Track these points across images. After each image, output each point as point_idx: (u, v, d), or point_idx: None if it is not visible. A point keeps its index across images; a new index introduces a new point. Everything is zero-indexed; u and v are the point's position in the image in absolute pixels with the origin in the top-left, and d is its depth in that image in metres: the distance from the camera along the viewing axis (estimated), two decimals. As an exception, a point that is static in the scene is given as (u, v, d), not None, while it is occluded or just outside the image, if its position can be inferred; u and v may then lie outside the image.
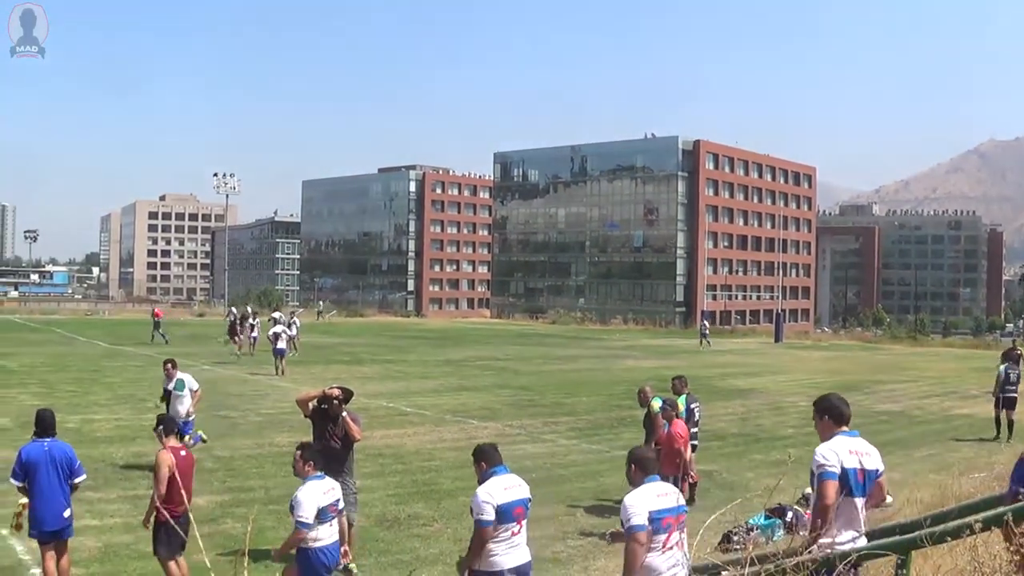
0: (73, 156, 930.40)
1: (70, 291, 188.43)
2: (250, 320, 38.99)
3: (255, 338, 38.10)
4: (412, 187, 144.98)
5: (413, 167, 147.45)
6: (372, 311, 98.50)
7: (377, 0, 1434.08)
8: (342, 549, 8.05)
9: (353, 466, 10.47)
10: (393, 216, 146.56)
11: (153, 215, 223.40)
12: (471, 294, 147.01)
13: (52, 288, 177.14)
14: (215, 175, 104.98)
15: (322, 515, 7.51)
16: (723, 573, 6.01)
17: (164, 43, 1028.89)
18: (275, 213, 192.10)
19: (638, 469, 6.09)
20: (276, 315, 39.15)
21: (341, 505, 8.01)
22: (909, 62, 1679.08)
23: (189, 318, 74.89)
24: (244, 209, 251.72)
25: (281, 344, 31.65)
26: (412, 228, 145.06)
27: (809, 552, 5.47)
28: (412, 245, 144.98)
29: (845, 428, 6.01)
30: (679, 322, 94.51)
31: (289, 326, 35.44)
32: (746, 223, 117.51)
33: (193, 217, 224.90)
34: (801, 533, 6.22)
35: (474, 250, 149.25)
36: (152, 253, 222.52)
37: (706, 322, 59.68)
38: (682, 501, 6.16)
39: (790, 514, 11.62)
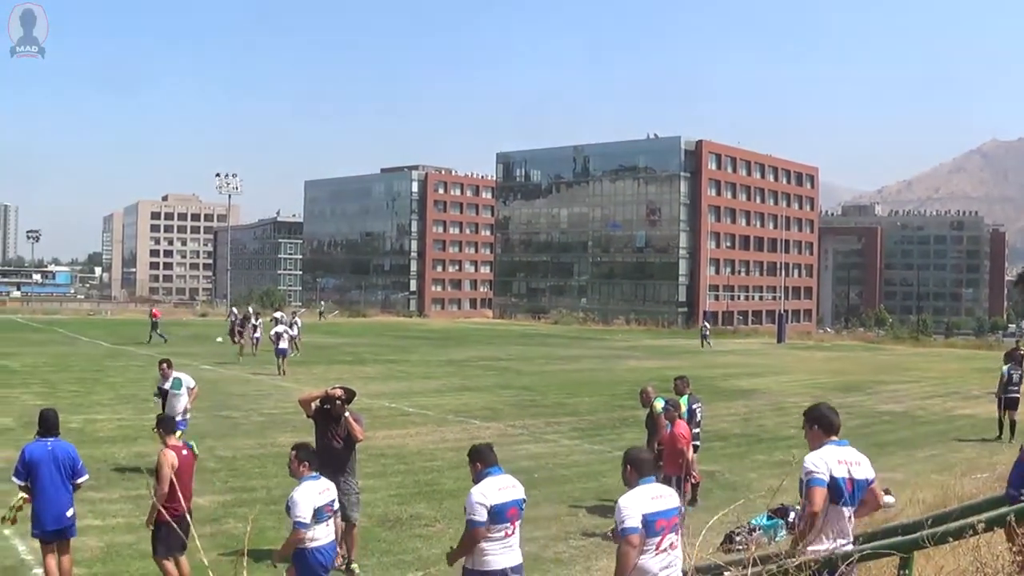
0: (75, 156, 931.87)
1: (72, 291, 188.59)
2: (252, 320, 39.00)
3: (258, 338, 38.10)
4: (415, 187, 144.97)
5: (416, 167, 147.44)
6: (374, 311, 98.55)
7: (378, 0, 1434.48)
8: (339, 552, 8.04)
9: (355, 466, 10.47)
10: (395, 216, 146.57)
11: (155, 215, 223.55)
12: (473, 294, 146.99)
13: (54, 288, 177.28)
14: (217, 175, 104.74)
15: (318, 515, 7.52)
16: (726, 574, 6.00)
17: (165, 43, 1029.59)
18: (278, 213, 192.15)
19: (634, 470, 6.09)
20: (277, 315, 39.15)
21: (336, 505, 8.02)
22: (911, 62, 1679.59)
23: (191, 318, 74.95)
24: (246, 209, 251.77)
25: (283, 344, 31.68)
26: (414, 228, 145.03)
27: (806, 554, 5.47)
28: (414, 245, 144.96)
29: (834, 437, 6.01)
30: (681, 322, 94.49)
31: (291, 326, 35.46)
32: (748, 223, 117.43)
33: (195, 217, 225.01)
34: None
35: (476, 250, 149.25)
36: (154, 253, 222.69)
37: (707, 323, 59.68)
38: (678, 503, 6.15)
39: (792, 515, 11.60)
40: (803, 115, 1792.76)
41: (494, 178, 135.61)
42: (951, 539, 5.57)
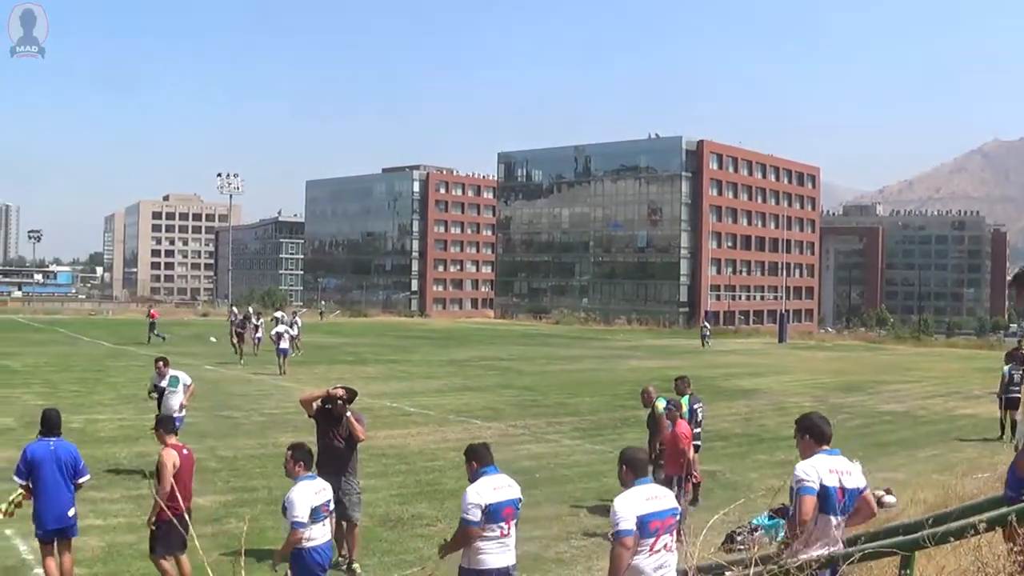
0: (76, 156, 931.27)
1: (74, 291, 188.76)
2: (253, 321, 39.00)
3: (259, 338, 38.11)
4: (416, 187, 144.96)
5: (417, 167, 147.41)
6: (376, 311, 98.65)
7: (378, 0, 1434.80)
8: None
9: (357, 466, 10.48)
10: (397, 216, 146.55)
11: (157, 215, 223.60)
12: (475, 294, 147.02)
13: (56, 288, 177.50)
14: (219, 175, 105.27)
15: (315, 515, 7.54)
16: (727, 574, 6.01)
17: (165, 43, 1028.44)
18: (279, 213, 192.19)
19: (629, 470, 6.10)
20: (278, 315, 39.13)
21: (332, 505, 8.04)
22: (912, 62, 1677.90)
23: (193, 318, 74.93)
24: (248, 209, 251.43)
25: (284, 344, 31.70)
26: (416, 228, 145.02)
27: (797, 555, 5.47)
28: (416, 245, 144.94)
29: (826, 447, 6.01)
30: (683, 322, 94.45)
31: (291, 326, 35.43)
32: (750, 223, 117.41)
33: (197, 217, 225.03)
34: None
35: (478, 250, 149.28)
36: (156, 253, 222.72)
37: (707, 323, 59.75)
38: (674, 504, 6.16)
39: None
40: (804, 115, 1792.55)
41: (495, 178, 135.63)
42: (952, 539, 5.57)
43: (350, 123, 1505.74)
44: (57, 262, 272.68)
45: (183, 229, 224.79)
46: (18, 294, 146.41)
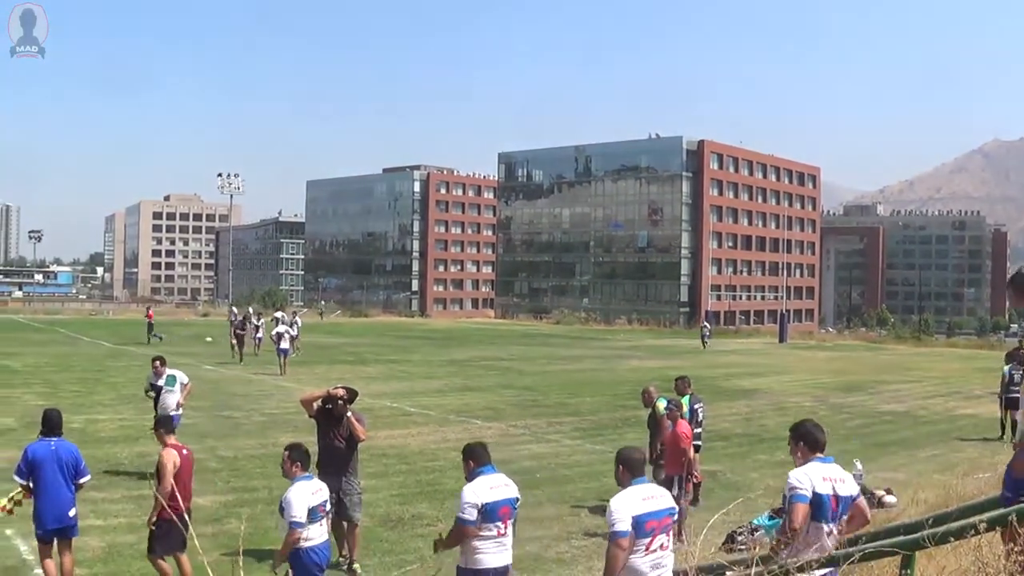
0: (76, 156, 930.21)
1: (74, 291, 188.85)
2: (254, 321, 39.00)
3: (259, 339, 38.13)
4: (416, 187, 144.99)
5: (417, 167, 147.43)
6: (376, 311, 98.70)
7: (378, 0, 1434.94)
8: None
9: (357, 466, 10.48)
10: (397, 216, 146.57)
11: (157, 215, 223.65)
12: (475, 294, 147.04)
13: (56, 288, 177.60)
14: (219, 175, 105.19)
15: (312, 515, 7.55)
16: (728, 573, 6.01)
17: (166, 43, 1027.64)
18: (279, 213, 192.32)
19: (625, 470, 6.12)
20: (278, 315, 39.13)
21: (329, 506, 8.05)
22: (912, 62, 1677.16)
23: (193, 318, 74.95)
24: (248, 209, 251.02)
25: (284, 344, 31.71)
26: (416, 228, 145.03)
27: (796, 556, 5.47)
28: (416, 245, 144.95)
29: (820, 455, 6.01)
30: (683, 322, 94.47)
31: (291, 326, 35.42)
32: (750, 223, 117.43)
33: (197, 217, 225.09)
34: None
35: (478, 250, 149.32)
36: (156, 253, 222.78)
37: (707, 323, 59.83)
38: (671, 504, 6.17)
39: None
40: (804, 115, 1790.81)
41: (496, 178, 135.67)
42: (952, 539, 5.57)
43: (350, 123, 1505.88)
44: (58, 262, 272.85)
45: (184, 229, 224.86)
46: (19, 294, 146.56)
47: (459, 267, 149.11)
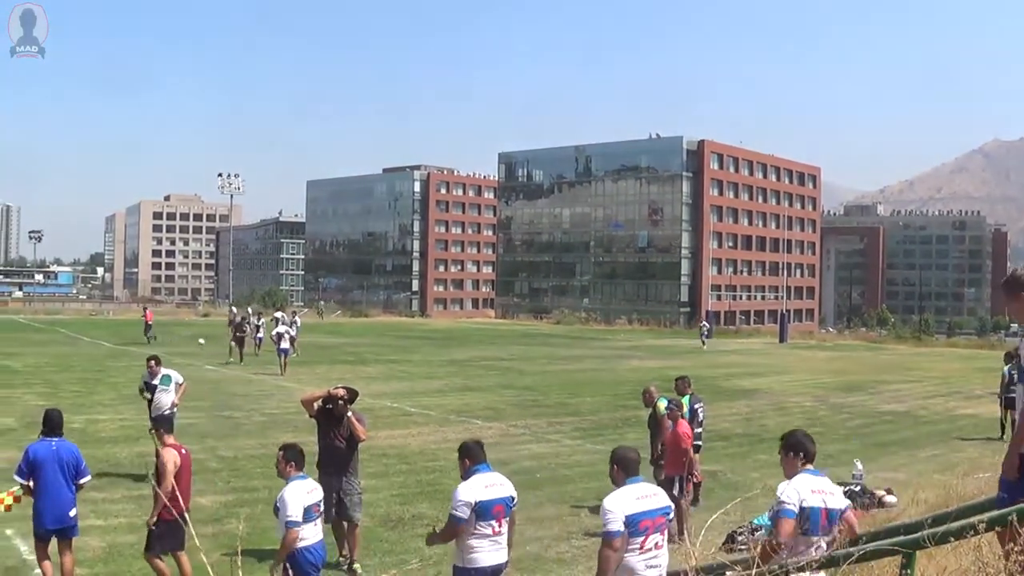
0: (77, 156, 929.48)
1: (74, 291, 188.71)
2: (254, 321, 38.97)
3: (260, 339, 38.13)
4: (416, 187, 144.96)
5: (418, 167, 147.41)
6: (376, 311, 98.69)
7: (378, 0, 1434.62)
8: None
9: (358, 466, 10.49)
10: (397, 216, 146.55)
11: (158, 215, 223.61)
12: (475, 294, 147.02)
13: (56, 288, 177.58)
14: (219, 175, 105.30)
15: (307, 514, 7.56)
16: (728, 573, 6.01)
17: (166, 43, 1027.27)
18: (280, 213, 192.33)
19: (620, 469, 6.12)
20: (278, 315, 39.14)
21: (323, 506, 8.08)
22: (912, 61, 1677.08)
23: (194, 318, 74.98)
24: (248, 209, 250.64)
25: (284, 344, 31.72)
26: (416, 228, 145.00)
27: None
28: (416, 245, 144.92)
29: (810, 466, 5.99)
30: (683, 322, 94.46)
31: (291, 326, 35.41)
32: (750, 223, 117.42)
33: (198, 217, 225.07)
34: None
35: (478, 250, 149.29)
36: (157, 253, 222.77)
37: (706, 323, 59.85)
38: (666, 503, 6.18)
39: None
40: (804, 115, 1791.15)
41: (496, 178, 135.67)
42: (952, 539, 5.57)
43: (350, 123, 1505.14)
44: (58, 262, 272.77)
45: (184, 229, 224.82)
46: (19, 294, 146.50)
47: (459, 267, 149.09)
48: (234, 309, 46.76)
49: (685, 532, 10.14)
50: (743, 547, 10.07)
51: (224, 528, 11.26)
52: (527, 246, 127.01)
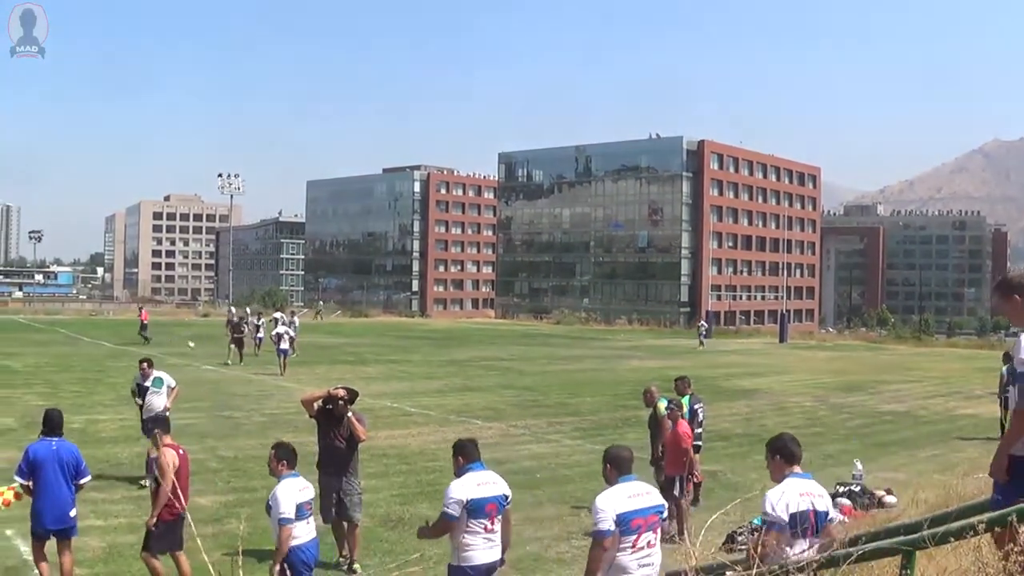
0: (77, 156, 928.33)
1: (74, 291, 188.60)
2: (254, 321, 38.91)
3: (260, 339, 38.11)
4: (416, 187, 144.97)
5: (418, 167, 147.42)
6: (376, 311, 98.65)
7: (379, 0, 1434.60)
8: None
9: (358, 466, 10.50)
10: (397, 216, 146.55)
11: (158, 215, 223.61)
12: (475, 294, 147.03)
13: (56, 288, 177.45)
14: (219, 175, 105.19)
15: (299, 512, 7.59)
16: (728, 573, 6.00)
17: (166, 43, 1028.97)
18: (279, 213, 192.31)
19: (613, 468, 6.13)
20: (277, 315, 39.11)
21: (315, 504, 8.10)
22: (913, 61, 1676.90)
23: (194, 318, 74.96)
24: (248, 209, 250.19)
25: (284, 344, 31.71)
26: (416, 228, 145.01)
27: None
28: (416, 245, 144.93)
29: (797, 468, 5.98)
30: (683, 322, 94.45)
31: (289, 326, 35.38)
32: (750, 223, 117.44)
33: (198, 217, 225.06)
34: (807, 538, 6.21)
35: (478, 250, 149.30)
36: (156, 253, 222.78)
37: (704, 323, 59.89)
38: (659, 502, 6.17)
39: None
40: (805, 115, 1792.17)
41: (496, 178, 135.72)
42: (952, 539, 5.56)
43: (350, 123, 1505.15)
44: (58, 262, 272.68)
45: (184, 229, 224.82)
46: (19, 294, 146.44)
47: (459, 267, 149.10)
48: (232, 309, 46.66)
49: (685, 532, 10.15)
50: (743, 547, 10.07)
51: (224, 528, 11.26)
52: (527, 246, 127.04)
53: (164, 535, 8.61)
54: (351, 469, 10.23)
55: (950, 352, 55.63)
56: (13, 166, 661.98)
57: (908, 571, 5.51)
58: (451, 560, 6.88)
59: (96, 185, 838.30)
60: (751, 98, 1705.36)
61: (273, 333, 32.82)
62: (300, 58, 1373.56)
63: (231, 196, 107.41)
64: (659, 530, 6.08)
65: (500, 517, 6.91)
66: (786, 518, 5.64)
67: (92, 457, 12.50)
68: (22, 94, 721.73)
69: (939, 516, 6.18)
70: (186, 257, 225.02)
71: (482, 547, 6.76)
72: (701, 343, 52.94)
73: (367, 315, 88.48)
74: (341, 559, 10.18)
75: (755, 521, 11.15)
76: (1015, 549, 5.20)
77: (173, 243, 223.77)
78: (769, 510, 5.68)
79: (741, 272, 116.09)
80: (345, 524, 10.16)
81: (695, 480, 12.56)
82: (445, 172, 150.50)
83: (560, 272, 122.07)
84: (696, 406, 13.86)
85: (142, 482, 12.83)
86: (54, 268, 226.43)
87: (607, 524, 5.74)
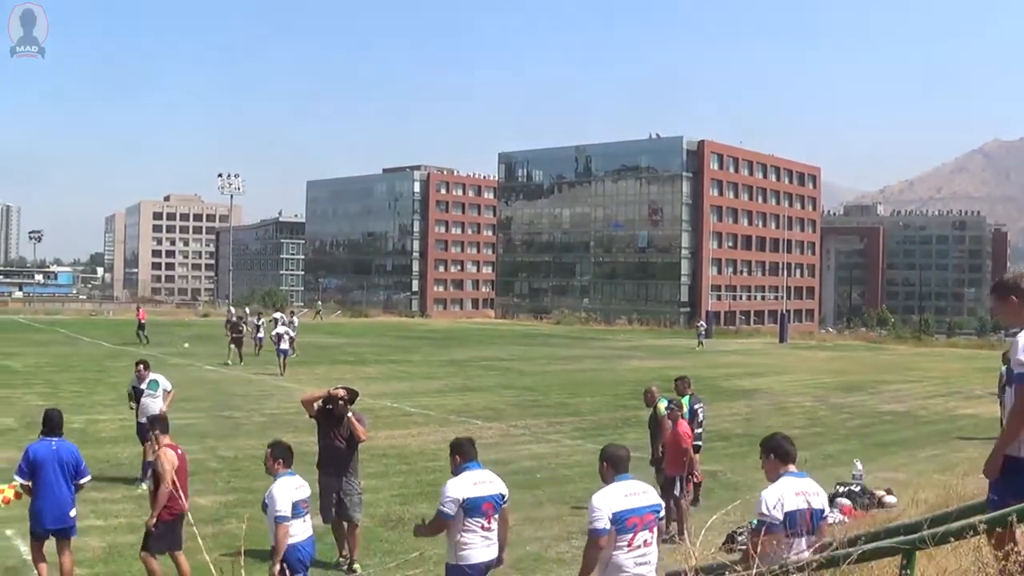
0: (77, 157, 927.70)
1: (74, 291, 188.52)
2: (254, 321, 38.90)
3: (260, 339, 38.10)
4: (416, 187, 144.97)
5: (417, 167, 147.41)
6: (376, 311, 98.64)
7: (379, 1, 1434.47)
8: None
9: (358, 466, 10.50)
10: (397, 216, 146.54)
11: (158, 215, 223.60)
12: (475, 294, 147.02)
13: (56, 288, 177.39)
14: (219, 175, 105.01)
15: (296, 510, 7.60)
16: (728, 574, 6.00)
17: (166, 43, 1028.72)
18: (280, 213, 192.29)
19: (609, 467, 6.13)
20: (277, 315, 39.09)
21: (311, 503, 8.13)
22: (913, 61, 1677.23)
23: (194, 318, 74.98)
24: (248, 209, 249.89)
25: (284, 344, 31.71)
26: (416, 228, 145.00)
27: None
28: (416, 245, 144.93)
29: (792, 467, 5.98)
30: (683, 322, 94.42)
31: (289, 326, 35.36)
32: (750, 223, 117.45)
33: (198, 217, 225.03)
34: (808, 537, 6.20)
35: (478, 250, 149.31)
36: (156, 253, 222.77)
37: (703, 323, 59.91)
38: (656, 500, 6.18)
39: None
40: (805, 115, 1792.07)
41: (496, 178, 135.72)
42: (952, 539, 5.56)
43: (350, 123, 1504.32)
44: (58, 262, 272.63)
45: (184, 229, 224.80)
46: (19, 295, 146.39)
47: (459, 267, 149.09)
48: (232, 309, 46.65)
49: (685, 532, 10.15)
50: (743, 547, 10.07)
51: (224, 528, 11.25)
52: (527, 246, 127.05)
53: (164, 535, 8.62)
54: (351, 469, 10.23)
55: (950, 352, 55.62)
56: (13, 166, 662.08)
57: (908, 571, 5.51)
58: (448, 559, 6.89)
59: (96, 185, 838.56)
60: (751, 98, 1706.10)
61: (273, 333, 32.82)
62: (300, 58, 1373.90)
63: (231, 196, 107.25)
64: (656, 529, 6.07)
65: (497, 516, 6.91)
66: (781, 517, 5.64)
67: (92, 457, 12.50)
68: (22, 94, 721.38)
69: (939, 516, 6.19)
70: (186, 257, 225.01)
71: (479, 546, 6.77)
72: (700, 343, 52.89)
73: (367, 315, 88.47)
74: (341, 559, 10.18)
75: (755, 522, 11.16)
76: (1015, 549, 5.20)
77: (173, 243, 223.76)
78: (764, 510, 5.69)
79: (741, 272, 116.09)
80: (345, 524, 10.16)
81: (695, 480, 12.56)
82: (445, 172, 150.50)
83: (560, 272, 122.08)
84: (696, 406, 13.86)
85: (141, 484, 12.82)
86: (54, 268, 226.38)
87: (602, 522, 5.74)
